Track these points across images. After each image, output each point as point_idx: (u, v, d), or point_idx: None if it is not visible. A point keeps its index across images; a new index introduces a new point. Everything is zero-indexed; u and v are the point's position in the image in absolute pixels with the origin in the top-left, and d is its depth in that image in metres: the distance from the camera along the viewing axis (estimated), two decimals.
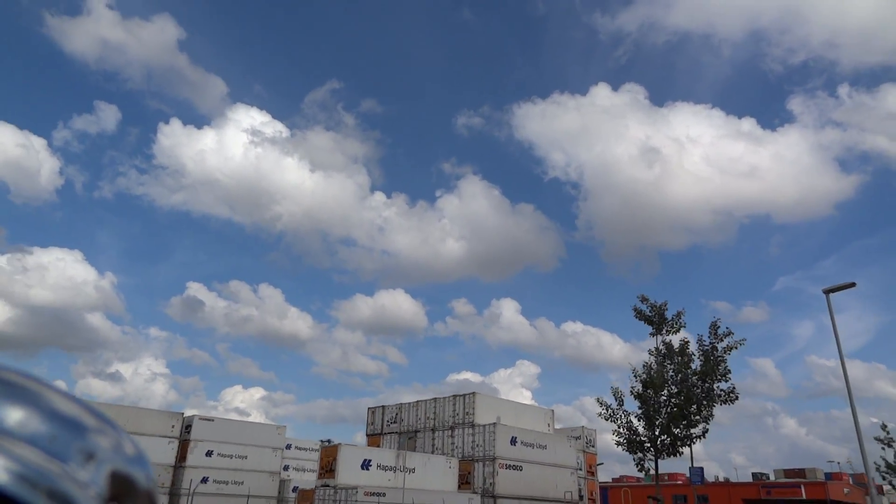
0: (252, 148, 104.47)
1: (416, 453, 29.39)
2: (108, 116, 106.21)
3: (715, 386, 24.80)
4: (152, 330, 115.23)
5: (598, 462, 37.88)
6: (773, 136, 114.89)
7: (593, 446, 37.57)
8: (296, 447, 43.89)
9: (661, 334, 26.15)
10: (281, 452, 38.11)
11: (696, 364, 25.14)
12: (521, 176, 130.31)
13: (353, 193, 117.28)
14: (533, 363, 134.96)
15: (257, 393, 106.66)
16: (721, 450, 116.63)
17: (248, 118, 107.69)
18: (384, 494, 24.37)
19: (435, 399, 33.49)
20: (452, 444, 31.18)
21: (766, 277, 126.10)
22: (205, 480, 32.93)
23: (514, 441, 30.29)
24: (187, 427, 35.06)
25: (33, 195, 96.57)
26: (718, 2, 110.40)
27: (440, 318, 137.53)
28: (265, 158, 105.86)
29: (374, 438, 35.98)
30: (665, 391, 25.19)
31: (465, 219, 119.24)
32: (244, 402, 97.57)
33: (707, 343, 25.48)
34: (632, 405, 27.53)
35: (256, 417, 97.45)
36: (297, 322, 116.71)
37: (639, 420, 25.66)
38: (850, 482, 56.20)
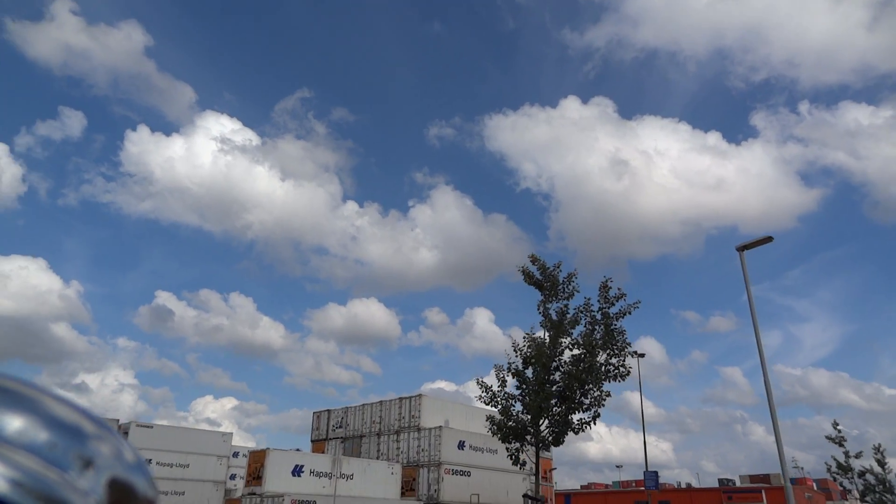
0: (221, 156, 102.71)
1: (354, 458, 27.84)
2: (73, 123, 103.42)
3: (609, 360, 20.22)
4: (120, 340, 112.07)
5: (552, 467, 36.60)
6: (738, 149, 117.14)
7: (548, 450, 36.33)
8: (243, 455, 41.96)
9: (553, 301, 21.55)
10: (227, 460, 36.23)
11: (597, 334, 20.43)
12: (493, 186, 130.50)
13: (325, 202, 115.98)
14: (509, 373, 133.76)
15: (229, 403, 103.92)
16: (692, 457, 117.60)
17: (218, 125, 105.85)
18: (314, 503, 22.79)
19: (381, 402, 32.02)
20: (398, 449, 29.70)
21: (734, 288, 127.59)
22: None
23: (461, 445, 28.93)
24: (124, 434, 32.98)
25: None
26: (684, 21, 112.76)
27: (414, 327, 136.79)
28: (235, 166, 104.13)
29: (318, 444, 34.30)
30: (555, 368, 20.91)
31: (437, 228, 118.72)
32: (215, 412, 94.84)
33: (596, 310, 20.67)
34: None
35: (228, 427, 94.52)
36: (270, 331, 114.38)
37: (516, 403, 21.55)
38: (815, 487, 56.14)
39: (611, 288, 20.61)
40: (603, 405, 20.60)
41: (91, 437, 0.61)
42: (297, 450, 28.44)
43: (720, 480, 62.74)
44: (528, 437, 21.49)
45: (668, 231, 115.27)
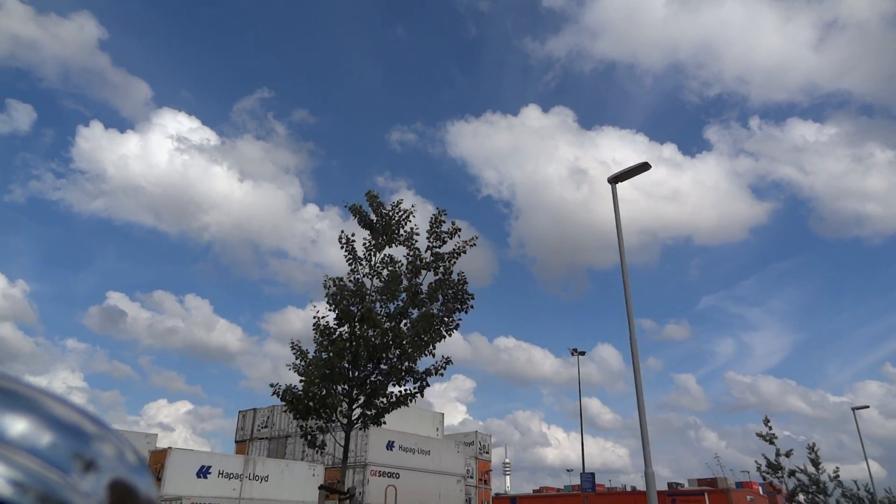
0: (178, 155, 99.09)
1: (271, 459, 26.00)
2: (21, 116, 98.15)
3: (443, 315, 14.98)
4: (69, 342, 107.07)
5: (488, 469, 35.32)
6: (693, 162, 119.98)
7: (487, 452, 35.08)
8: None
9: (386, 248, 15.89)
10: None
11: (421, 278, 15.22)
12: (455, 193, 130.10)
13: (284, 205, 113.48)
14: (468, 378, 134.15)
15: (183, 407, 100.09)
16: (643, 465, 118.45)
17: (176, 123, 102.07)
18: None
19: None
20: (324, 449, 27.87)
21: (689, 297, 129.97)
22: None
23: (390, 446, 27.33)
24: None
25: None
26: (641, 35, 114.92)
27: None
28: (192, 166, 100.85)
29: (241, 445, 32.22)
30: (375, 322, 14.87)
31: None
32: (169, 416, 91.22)
33: (424, 250, 15.43)
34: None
35: (182, 432, 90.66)
36: (227, 334, 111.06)
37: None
38: (760, 492, 56.47)
39: (444, 222, 15.44)
40: (441, 373, 15.56)
41: (92, 438, 0.59)
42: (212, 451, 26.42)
43: (669, 484, 62.74)
44: (332, 412, 15.52)
45: (626, 240, 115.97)
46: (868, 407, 25.02)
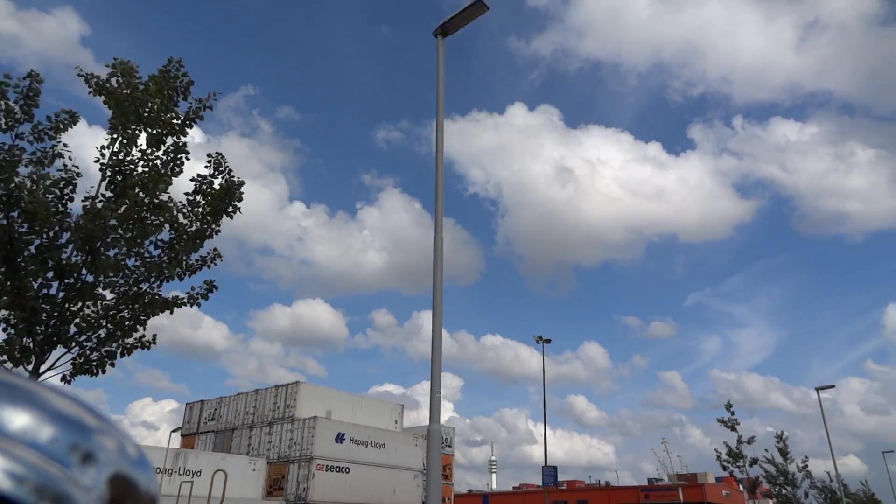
0: None
1: (205, 453, 24.36)
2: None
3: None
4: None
5: (450, 463, 33.87)
6: (677, 161, 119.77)
7: (450, 446, 33.64)
8: None
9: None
10: None
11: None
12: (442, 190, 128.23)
13: (270, 202, 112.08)
14: (456, 376, 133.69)
15: (168, 405, 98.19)
16: (633, 459, 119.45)
17: None
18: None
19: (256, 391, 28.57)
20: (269, 442, 26.32)
21: (674, 294, 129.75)
22: None
23: (340, 438, 25.79)
24: None
25: None
26: (625, 34, 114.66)
27: (361, 329, 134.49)
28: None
29: (188, 439, 30.53)
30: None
31: (386, 231, 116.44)
32: (153, 415, 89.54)
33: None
34: None
35: (166, 431, 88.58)
36: (212, 332, 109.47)
37: None
38: (740, 488, 55.79)
39: (181, 68, 10.21)
40: (198, 303, 9.96)
41: (93, 431, 0.59)
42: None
43: (649, 480, 62.01)
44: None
45: (612, 238, 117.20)
46: (833, 386, 23.79)
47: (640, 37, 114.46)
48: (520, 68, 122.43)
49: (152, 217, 9.57)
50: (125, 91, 9.90)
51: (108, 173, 9.60)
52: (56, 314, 8.79)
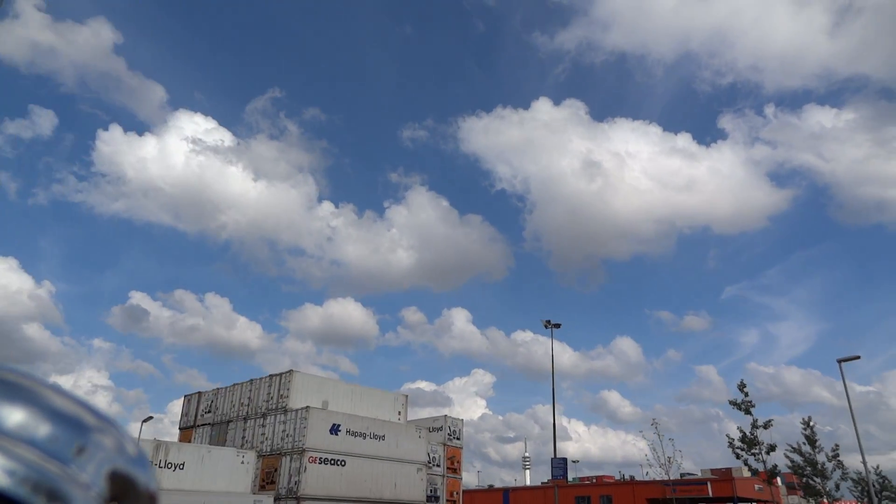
0: (194, 156, 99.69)
1: (187, 445, 23.40)
2: (43, 122, 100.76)
3: None
4: (96, 341, 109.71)
5: (459, 456, 32.32)
6: (708, 151, 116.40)
7: (458, 438, 32.13)
8: None
9: None
10: None
11: None
12: (469, 187, 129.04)
13: (300, 203, 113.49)
14: (488, 372, 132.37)
15: None
16: (669, 454, 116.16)
17: (192, 124, 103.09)
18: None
19: (251, 381, 27.50)
20: (263, 434, 25.22)
21: (708, 287, 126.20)
22: None
23: (335, 430, 24.53)
24: None
25: None
26: (651, 25, 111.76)
27: (391, 327, 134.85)
28: (208, 167, 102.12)
29: (186, 432, 29.65)
30: None
31: (414, 229, 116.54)
32: None
33: None
34: None
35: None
36: (246, 332, 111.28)
37: None
38: (778, 482, 53.31)
39: None
40: None
41: (92, 429, 0.59)
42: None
43: (681, 474, 60.07)
44: None
45: (642, 230, 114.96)
46: (858, 357, 21.43)
47: (666, 27, 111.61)
48: (544, 63, 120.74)
49: None
50: None
51: None
52: None
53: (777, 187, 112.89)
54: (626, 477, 57.06)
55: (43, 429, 0.54)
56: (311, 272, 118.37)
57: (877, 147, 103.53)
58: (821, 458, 27.48)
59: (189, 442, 28.23)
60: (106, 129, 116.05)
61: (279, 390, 25.77)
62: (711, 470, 58.79)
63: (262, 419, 25.65)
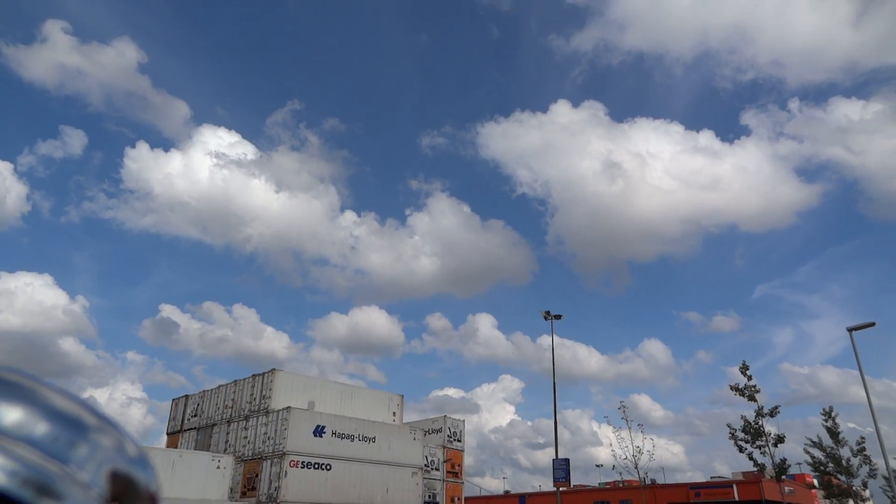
0: (218, 170, 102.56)
1: (159, 449, 22.11)
2: (73, 141, 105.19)
3: None
4: (129, 354, 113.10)
5: (460, 460, 30.58)
6: (732, 148, 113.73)
7: (459, 440, 30.45)
8: None
9: None
10: None
11: None
12: (490, 193, 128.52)
13: (322, 213, 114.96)
14: (515, 378, 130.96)
15: None
16: (704, 459, 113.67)
17: (216, 139, 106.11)
18: None
19: (235, 382, 26.23)
20: (246, 438, 23.88)
21: (737, 286, 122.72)
22: None
23: (319, 431, 23.07)
24: None
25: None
26: (669, 24, 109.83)
27: (416, 334, 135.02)
28: (232, 181, 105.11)
29: (173, 437, 28.50)
30: None
31: (436, 235, 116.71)
32: None
33: None
34: None
35: None
36: (273, 342, 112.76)
37: None
38: (816, 483, 50.79)
39: None
40: None
41: (92, 429, 0.59)
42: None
43: (710, 478, 57.68)
44: None
45: (667, 231, 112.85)
46: (873, 324, 19.10)
47: (684, 25, 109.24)
48: (561, 66, 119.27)
49: None
50: None
51: None
52: None
53: (805, 182, 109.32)
54: (648, 481, 54.64)
55: (43, 428, 0.52)
56: (335, 281, 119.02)
57: None
58: (845, 452, 25.03)
59: (175, 448, 27.06)
60: (133, 146, 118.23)
61: (262, 391, 24.44)
62: (743, 473, 56.33)
63: (244, 422, 24.33)
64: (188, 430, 27.61)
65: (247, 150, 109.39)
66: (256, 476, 22.52)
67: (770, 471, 24.05)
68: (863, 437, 25.48)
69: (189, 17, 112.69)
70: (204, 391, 27.86)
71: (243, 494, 22.59)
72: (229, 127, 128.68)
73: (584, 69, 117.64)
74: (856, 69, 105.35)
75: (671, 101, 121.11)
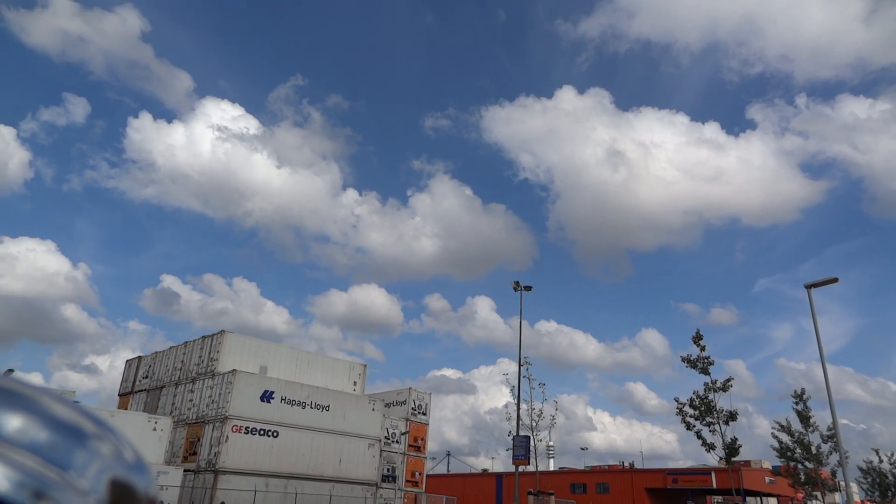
0: (220, 144, 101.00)
1: (87, 409, 20.93)
2: (76, 109, 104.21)
3: None
4: (131, 323, 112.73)
5: (424, 434, 29.51)
6: (737, 141, 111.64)
7: (424, 414, 29.37)
8: None
9: None
10: None
11: None
12: (492, 177, 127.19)
13: (324, 190, 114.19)
14: (513, 362, 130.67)
15: None
16: (697, 448, 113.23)
17: (219, 111, 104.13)
18: None
19: (185, 343, 25.07)
20: (191, 401, 22.78)
21: (737, 279, 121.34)
22: None
23: (267, 397, 21.94)
24: None
25: (2, 185, 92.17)
26: (678, 13, 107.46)
27: (415, 315, 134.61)
28: (234, 155, 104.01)
29: (124, 399, 27.49)
30: None
31: (437, 217, 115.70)
32: None
33: None
34: None
35: None
36: (273, 316, 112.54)
37: None
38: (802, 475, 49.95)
39: None
40: None
41: (92, 437, 0.59)
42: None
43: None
44: None
45: (669, 221, 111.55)
46: (836, 280, 17.57)
47: (693, 15, 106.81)
48: (567, 51, 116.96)
49: None
50: None
51: None
52: None
53: (810, 179, 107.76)
54: (628, 465, 53.83)
55: (42, 435, 0.53)
56: (336, 259, 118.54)
57: None
58: (815, 439, 23.67)
59: (126, 410, 26.02)
60: (136, 116, 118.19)
61: (210, 353, 23.28)
62: (740, 464, 55.56)
63: (191, 384, 23.22)
64: (139, 391, 26.55)
65: (249, 125, 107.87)
66: (199, 441, 21.44)
67: (720, 451, 22.41)
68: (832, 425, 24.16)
69: None
70: (156, 353, 26.74)
71: (185, 459, 21.53)
72: (232, 100, 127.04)
73: (591, 56, 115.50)
74: (865, 67, 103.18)
75: (677, 91, 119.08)
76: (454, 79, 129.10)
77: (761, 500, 46.02)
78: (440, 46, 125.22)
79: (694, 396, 22.74)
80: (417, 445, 28.51)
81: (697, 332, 23.61)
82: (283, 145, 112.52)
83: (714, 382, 22.64)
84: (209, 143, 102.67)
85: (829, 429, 23.07)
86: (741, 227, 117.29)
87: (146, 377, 26.53)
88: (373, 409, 25.43)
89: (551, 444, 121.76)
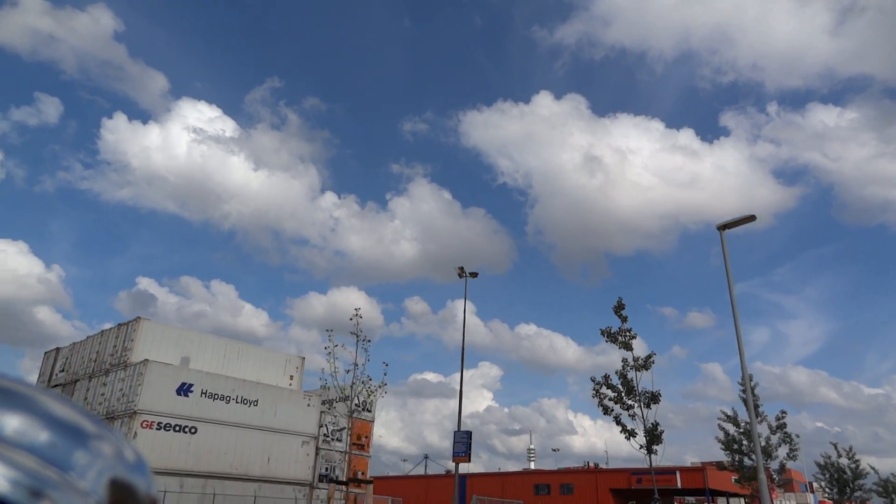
0: (196, 146, 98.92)
1: None
2: (49, 109, 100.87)
3: None
4: (107, 326, 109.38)
5: (368, 432, 27.83)
6: (711, 148, 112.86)
7: (369, 411, 27.71)
8: None
9: None
10: None
11: None
12: (471, 181, 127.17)
13: (302, 193, 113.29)
14: (494, 365, 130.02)
15: None
16: (676, 451, 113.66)
17: (195, 112, 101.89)
18: None
19: (102, 332, 23.16)
20: (103, 395, 20.89)
21: (712, 283, 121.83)
22: None
23: (185, 390, 20.15)
24: None
25: None
26: (652, 22, 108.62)
27: (395, 317, 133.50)
28: (210, 157, 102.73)
29: None
30: None
31: (416, 220, 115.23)
32: None
33: None
34: None
35: None
36: (252, 319, 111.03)
37: None
38: (772, 475, 49.29)
39: None
40: None
41: (91, 436, 0.59)
42: None
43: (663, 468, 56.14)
44: None
45: (645, 226, 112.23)
46: (754, 218, 16.37)
47: (666, 24, 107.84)
48: (544, 58, 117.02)
49: None
50: None
51: None
52: None
53: (784, 185, 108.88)
54: (592, 465, 52.67)
55: (42, 436, 0.52)
56: (314, 262, 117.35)
57: (883, 146, 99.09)
58: (763, 429, 22.36)
59: None
60: (110, 117, 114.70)
61: (124, 342, 21.41)
62: (702, 462, 54.79)
63: (104, 376, 21.32)
64: (55, 385, 24.53)
65: (226, 127, 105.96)
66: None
67: (640, 438, 20.62)
68: (783, 412, 22.88)
69: None
70: (74, 343, 24.75)
71: None
72: (209, 101, 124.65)
73: (567, 62, 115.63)
74: (833, 77, 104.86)
75: (652, 98, 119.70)
76: (432, 83, 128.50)
77: (728, 500, 45.06)
78: (418, 51, 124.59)
79: (614, 374, 21.21)
80: (361, 444, 26.83)
81: (619, 301, 21.73)
82: (260, 147, 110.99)
83: (636, 359, 21.02)
84: (185, 144, 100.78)
85: (778, 418, 21.84)
86: (717, 232, 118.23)
87: (62, 370, 24.55)
88: (308, 405, 23.75)
89: (532, 447, 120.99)
